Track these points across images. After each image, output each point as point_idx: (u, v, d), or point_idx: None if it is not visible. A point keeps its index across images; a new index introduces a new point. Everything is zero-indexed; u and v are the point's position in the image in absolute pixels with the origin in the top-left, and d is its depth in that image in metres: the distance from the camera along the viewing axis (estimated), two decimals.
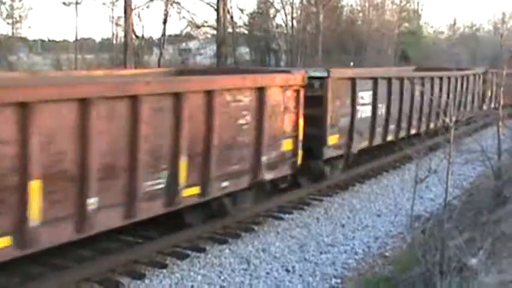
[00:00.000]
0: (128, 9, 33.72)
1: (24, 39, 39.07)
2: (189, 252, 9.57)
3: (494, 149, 14.26)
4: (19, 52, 36.19)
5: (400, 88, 16.72)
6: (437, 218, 10.13)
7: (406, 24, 53.68)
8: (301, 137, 11.92)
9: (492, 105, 27.00)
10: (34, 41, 41.02)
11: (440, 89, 19.42)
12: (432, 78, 19.17)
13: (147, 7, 36.85)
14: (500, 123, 14.64)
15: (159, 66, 35.58)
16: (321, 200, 13.29)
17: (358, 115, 14.64)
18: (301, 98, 11.82)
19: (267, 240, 10.47)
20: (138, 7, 36.10)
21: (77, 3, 33.69)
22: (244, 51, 47.26)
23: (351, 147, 14.56)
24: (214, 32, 40.49)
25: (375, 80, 15.48)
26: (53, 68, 33.92)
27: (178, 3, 38.72)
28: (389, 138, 16.72)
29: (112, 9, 38.29)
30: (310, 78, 12.46)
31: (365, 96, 14.98)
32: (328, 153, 13.63)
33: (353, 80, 14.38)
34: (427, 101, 18.32)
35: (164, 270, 8.85)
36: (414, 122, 17.94)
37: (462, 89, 22.58)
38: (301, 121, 11.88)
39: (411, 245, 9.46)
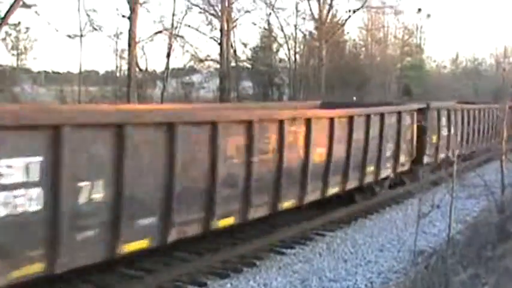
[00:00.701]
0: (132, 42, 33.90)
1: (28, 71, 39.26)
2: (190, 287, 9.47)
3: (497, 183, 14.21)
4: (23, 83, 36.32)
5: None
6: (440, 254, 10.07)
7: (409, 59, 53.91)
8: None
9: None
10: (38, 72, 41.19)
11: None
12: None
13: (151, 40, 37.00)
14: (503, 158, 14.60)
15: (162, 99, 35.71)
16: (323, 234, 13.20)
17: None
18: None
19: (268, 275, 10.36)
20: (142, 40, 36.32)
21: (81, 35, 33.88)
22: (247, 85, 47.41)
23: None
24: (218, 65, 40.69)
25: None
26: (57, 100, 34.05)
27: (181, 37, 38.99)
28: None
29: (116, 42, 38.48)
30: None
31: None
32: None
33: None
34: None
35: None
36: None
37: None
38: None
39: (414, 281, 9.36)
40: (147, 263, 9.87)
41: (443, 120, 20.21)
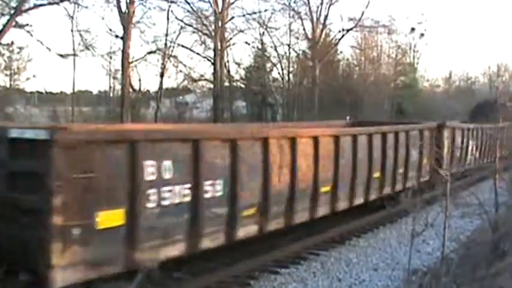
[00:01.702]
0: (125, 62, 33.98)
1: (21, 91, 39.20)
2: None
3: (491, 202, 14.22)
4: (16, 104, 36.27)
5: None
6: (434, 272, 10.05)
7: (402, 78, 54.05)
8: None
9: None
10: (31, 92, 41.13)
11: None
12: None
13: (145, 60, 37.05)
14: (497, 176, 14.61)
15: (155, 119, 35.70)
16: (317, 254, 13.17)
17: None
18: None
19: None
20: (136, 60, 36.38)
21: (74, 55, 33.91)
22: (240, 104, 47.46)
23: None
24: (211, 85, 40.71)
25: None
26: (50, 120, 34.01)
27: (175, 56, 39.09)
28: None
29: (109, 62, 38.54)
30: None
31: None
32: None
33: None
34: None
35: None
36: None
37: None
38: None
39: None
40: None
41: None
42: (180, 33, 38.57)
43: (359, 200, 15.34)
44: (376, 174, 16.04)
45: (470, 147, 25.64)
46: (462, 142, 24.34)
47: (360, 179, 15.09)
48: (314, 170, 12.88)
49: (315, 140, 12.92)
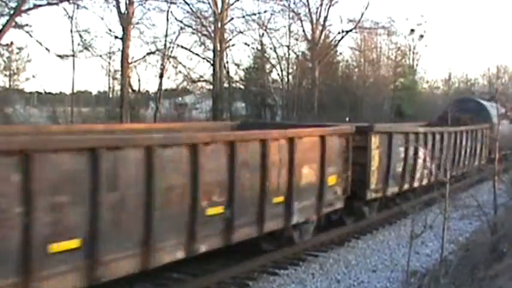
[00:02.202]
0: (124, 63, 33.93)
1: (21, 92, 39.13)
2: None
3: (490, 203, 14.23)
4: (15, 104, 36.20)
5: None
6: (433, 274, 10.06)
7: (402, 80, 53.99)
8: None
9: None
10: (30, 93, 41.05)
11: None
12: None
13: (144, 61, 36.98)
14: (496, 178, 14.61)
15: (155, 120, 35.65)
16: (316, 255, 13.17)
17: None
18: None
19: None
20: (135, 61, 36.33)
21: (73, 55, 33.84)
22: (240, 106, 47.40)
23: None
24: (210, 86, 40.66)
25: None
26: (50, 120, 33.95)
27: (174, 57, 39.00)
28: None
29: (109, 63, 38.42)
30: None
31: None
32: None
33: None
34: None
35: None
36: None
37: None
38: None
39: None
40: (139, 284, 9.82)
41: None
42: (179, 34, 38.49)
43: None
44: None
45: (421, 159, 18.81)
46: (406, 152, 17.92)
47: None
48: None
49: None
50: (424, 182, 19.35)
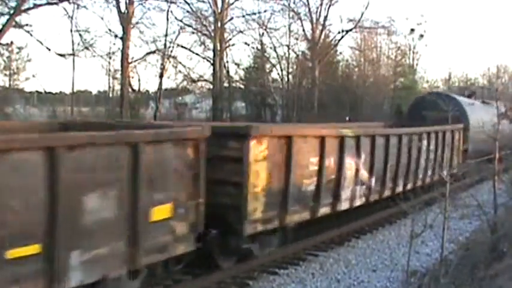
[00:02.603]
0: (124, 62, 33.95)
1: (21, 91, 39.13)
2: None
3: (490, 203, 14.24)
4: (15, 104, 36.21)
5: None
6: (433, 274, 10.06)
7: (402, 79, 53.94)
8: None
9: None
10: (30, 92, 41.04)
11: None
12: None
13: (144, 60, 37.00)
14: (496, 178, 14.61)
15: (155, 119, 35.64)
16: (316, 255, 13.18)
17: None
18: None
19: None
20: (135, 60, 36.35)
21: (73, 55, 33.85)
22: (240, 105, 47.37)
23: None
24: (210, 86, 40.66)
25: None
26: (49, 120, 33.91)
27: (174, 57, 39.02)
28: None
29: (109, 63, 38.39)
30: None
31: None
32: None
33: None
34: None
35: None
36: None
37: None
38: None
39: None
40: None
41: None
42: (179, 33, 38.52)
43: None
44: None
45: (351, 171, 14.59)
46: (320, 163, 13.08)
47: None
48: None
49: None
50: (358, 201, 15.27)
